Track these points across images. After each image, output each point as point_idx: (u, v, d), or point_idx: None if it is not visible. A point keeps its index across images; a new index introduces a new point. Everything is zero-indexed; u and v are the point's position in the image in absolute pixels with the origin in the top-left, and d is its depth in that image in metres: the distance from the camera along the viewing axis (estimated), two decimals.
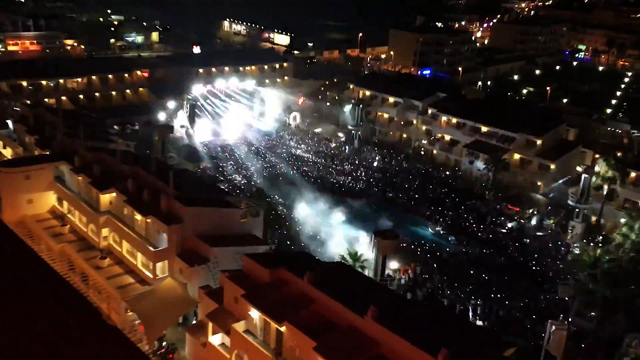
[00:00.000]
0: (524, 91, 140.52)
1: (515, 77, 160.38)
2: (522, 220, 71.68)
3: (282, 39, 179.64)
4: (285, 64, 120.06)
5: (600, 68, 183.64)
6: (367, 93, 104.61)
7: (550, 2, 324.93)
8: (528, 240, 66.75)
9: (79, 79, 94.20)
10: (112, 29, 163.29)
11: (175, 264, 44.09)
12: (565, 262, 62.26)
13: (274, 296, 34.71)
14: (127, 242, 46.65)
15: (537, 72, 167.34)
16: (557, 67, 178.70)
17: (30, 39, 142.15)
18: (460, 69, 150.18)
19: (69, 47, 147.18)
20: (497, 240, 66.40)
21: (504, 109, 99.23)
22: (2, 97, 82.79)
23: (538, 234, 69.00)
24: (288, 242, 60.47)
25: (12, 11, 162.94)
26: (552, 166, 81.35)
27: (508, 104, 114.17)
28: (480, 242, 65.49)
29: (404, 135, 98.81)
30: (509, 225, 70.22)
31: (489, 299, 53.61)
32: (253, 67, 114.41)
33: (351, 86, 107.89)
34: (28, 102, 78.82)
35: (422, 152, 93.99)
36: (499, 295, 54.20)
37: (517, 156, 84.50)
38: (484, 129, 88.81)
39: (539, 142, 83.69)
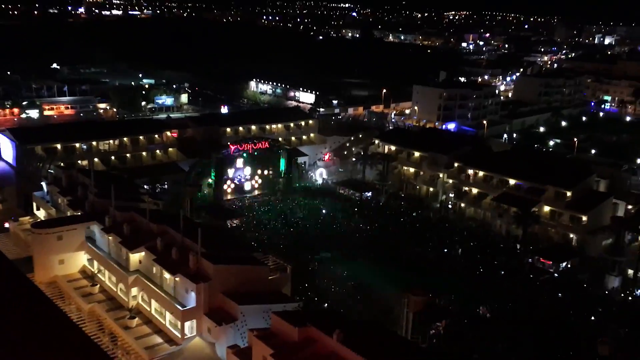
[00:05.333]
0: (551, 143, 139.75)
1: (541, 129, 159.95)
2: (555, 274, 69.91)
3: (307, 97, 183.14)
4: (310, 122, 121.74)
5: (628, 118, 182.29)
6: (392, 148, 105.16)
7: (573, 55, 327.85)
8: (561, 295, 64.79)
9: (111, 141, 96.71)
10: (143, 92, 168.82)
11: (203, 323, 43.76)
12: (603, 317, 60.12)
13: (303, 355, 34.06)
14: (155, 301, 46.62)
15: (563, 123, 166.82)
16: (584, 118, 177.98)
17: (65, 104, 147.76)
18: (485, 122, 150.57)
19: (101, 111, 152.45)
20: (531, 294, 64.62)
21: (531, 161, 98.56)
22: (37, 160, 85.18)
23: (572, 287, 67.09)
24: (316, 299, 59.74)
25: (49, 78, 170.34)
26: (584, 218, 79.81)
27: (535, 156, 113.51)
28: (513, 297, 63.78)
29: (431, 189, 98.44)
30: (542, 279, 68.49)
31: (524, 357, 51.75)
32: (279, 125, 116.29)
33: (376, 141, 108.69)
34: (62, 164, 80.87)
35: (450, 206, 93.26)
36: (535, 354, 52.32)
37: (547, 208, 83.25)
38: (512, 181, 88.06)
39: (569, 193, 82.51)
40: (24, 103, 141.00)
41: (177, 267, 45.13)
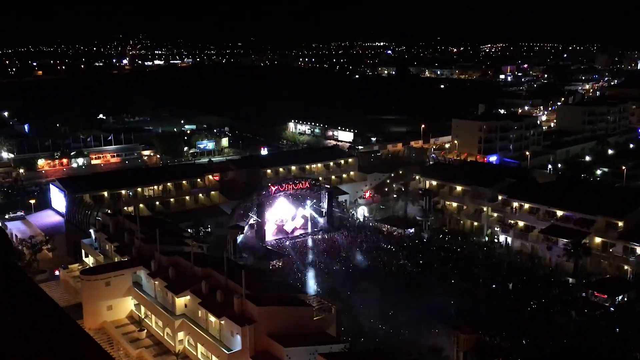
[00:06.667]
0: (598, 172, 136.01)
1: (587, 158, 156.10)
2: (611, 308, 66.96)
3: (345, 136, 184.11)
4: (350, 160, 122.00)
5: None
6: (434, 183, 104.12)
7: (615, 81, 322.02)
8: (618, 330, 61.81)
9: (155, 187, 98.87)
10: (185, 137, 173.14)
11: None
12: None
13: None
14: (202, 345, 46.60)
15: (610, 151, 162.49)
16: (631, 146, 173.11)
17: (111, 152, 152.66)
18: (528, 153, 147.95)
19: (145, 158, 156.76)
20: (587, 330, 61.93)
21: (579, 191, 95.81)
22: (86, 208, 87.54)
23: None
24: (362, 340, 58.62)
25: (95, 128, 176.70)
26: (639, 249, 76.68)
27: (582, 186, 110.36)
28: (568, 333, 61.25)
29: (475, 224, 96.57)
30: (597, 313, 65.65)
31: None
32: (319, 165, 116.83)
33: (417, 177, 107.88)
34: (108, 211, 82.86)
35: (496, 240, 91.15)
36: None
37: (598, 240, 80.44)
38: (560, 213, 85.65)
39: (620, 223, 79.64)
40: (72, 153, 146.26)
41: (222, 310, 45.15)
